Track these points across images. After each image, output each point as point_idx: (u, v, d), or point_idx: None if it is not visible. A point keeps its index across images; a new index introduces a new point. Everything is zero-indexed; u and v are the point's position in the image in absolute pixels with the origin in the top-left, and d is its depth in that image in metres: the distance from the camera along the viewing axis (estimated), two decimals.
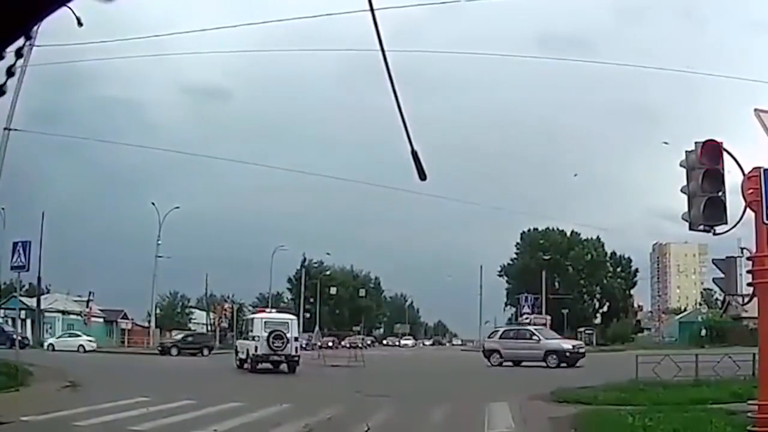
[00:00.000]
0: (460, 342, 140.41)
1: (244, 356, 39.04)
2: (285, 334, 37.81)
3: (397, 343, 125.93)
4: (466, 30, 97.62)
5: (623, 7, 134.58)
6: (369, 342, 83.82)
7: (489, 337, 48.75)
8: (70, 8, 2.01)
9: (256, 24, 52.46)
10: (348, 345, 76.78)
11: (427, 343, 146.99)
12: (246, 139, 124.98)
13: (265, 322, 38.94)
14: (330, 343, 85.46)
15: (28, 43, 1.87)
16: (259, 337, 37.49)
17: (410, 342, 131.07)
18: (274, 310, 51.29)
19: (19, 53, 1.90)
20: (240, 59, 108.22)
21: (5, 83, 1.94)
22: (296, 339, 39.89)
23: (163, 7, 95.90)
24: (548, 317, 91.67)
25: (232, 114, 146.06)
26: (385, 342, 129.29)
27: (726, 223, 12.92)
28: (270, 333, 37.36)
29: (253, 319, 41.50)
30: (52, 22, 1.80)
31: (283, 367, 37.67)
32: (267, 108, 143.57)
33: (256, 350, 37.47)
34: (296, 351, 38.53)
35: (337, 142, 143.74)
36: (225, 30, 74.19)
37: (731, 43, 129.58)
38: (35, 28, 1.83)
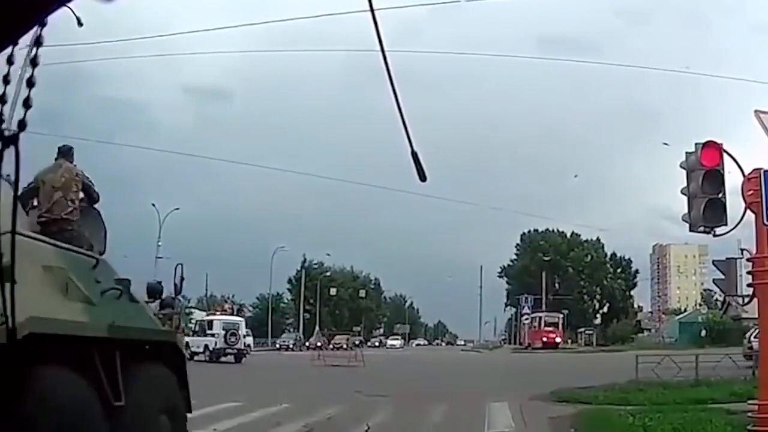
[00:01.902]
0: (462, 342, 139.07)
1: (200, 350, 46.52)
2: (237, 332, 48.90)
3: (378, 344, 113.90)
4: (467, 31, 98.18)
5: (624, 10, 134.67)
6: (356, 342, 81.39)
7: (756, 337, 43.78)
8: (69, 8, 2.02)
9: (257, 24, 52.76)
10: (332, 347, 76.04)
11: (422, 342, 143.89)
12: (247, 140, 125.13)
13: (222, 322, 49.78)
14: (319, 344, 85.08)
15: (36, 47, 1.87)
16: (217, 334, 47.79)
17: (398, 342, 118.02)
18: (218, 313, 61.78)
19: (34, 62, 1.91)
20: (241, 60, 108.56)
21: (29, 96, 1.94)
22: (245, 336, 52.18)
23: (165, 8, 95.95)
24: (561, 314, 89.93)
25: (233, 114, 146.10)
26: (368, 343, 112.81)
27: (726, 224, 12.92)
28: (226, 331, 47.90)
29: (212, 320, 51.05)
30: (51, 22, 1.80)
31: (230, 358, 47.54)
32: (268, 109, 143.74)
33: (215, 345, 47.39)
34: (245, 346, 50.81)
35: (338, 142, 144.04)
36: (226, 30, 74.48)
37: (732, 44, 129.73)
38: (37, 29, 1.83)
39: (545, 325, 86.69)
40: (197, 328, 50.78)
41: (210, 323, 49.56)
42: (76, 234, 8.79)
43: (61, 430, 5.50)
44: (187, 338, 50.25)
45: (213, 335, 47.53)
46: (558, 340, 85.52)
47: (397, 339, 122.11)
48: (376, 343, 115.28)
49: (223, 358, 46.66)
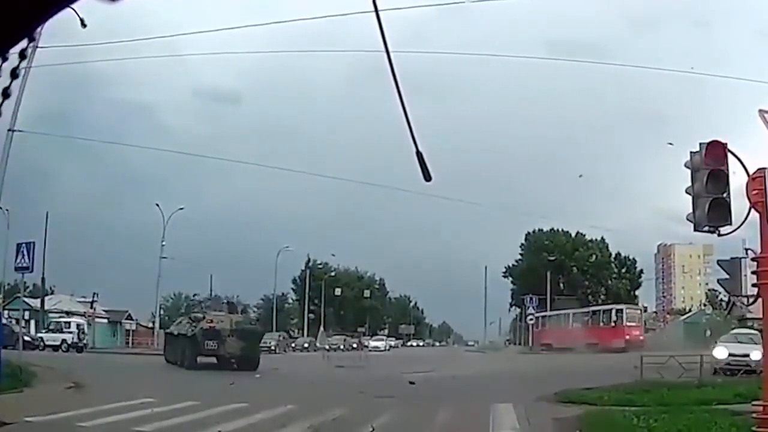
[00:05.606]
0: (471, 344, 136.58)
1: (57, 343, 58.58)
2: (85, 330, 64.54)
3: (354, 346, 74.72)
4: (475, 33, 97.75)
5: (630, 13, 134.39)
6: (353, 345, 75.40)
7: None
8: (73, 9, 2.01)
9: (265, 25, 52.59)
10: (328, 347, 74.17)
11: (420, 344, 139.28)
12: (252, 141, 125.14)
13: (76, 323, 63.44)
14: (306, 345, 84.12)
15: (31, 44, 1.86)
16: (74, 332, 60.85)
17: (381, 344, 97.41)
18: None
19: (22, 54, 1.89)
20: (249, 61, 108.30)
21: (10, 86, 1.93)
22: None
23: (173, 9, 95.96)
24: (643, 306, 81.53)
25: (240, 116, 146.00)
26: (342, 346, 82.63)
27: (731, 224, 12.91)
28: (79, 330, 61.80)
29: (69, 321, 64.22)
30: (58, 24, 1.78)
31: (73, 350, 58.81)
32: (275, 110, 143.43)
33: (72, 339, 59.69)
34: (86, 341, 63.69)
35: (344, 143, 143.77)
36: (235, 32, 74.36)
37: (736, 46, 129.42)
38: (39, 29, 1.81)
39: (627, 320, 73.09)
40: (52, 327, 62.59)
41: (68, 323, 62.81)
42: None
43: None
44: (43, 334, 61.08)
45: (70, 332, 60.74)
46: (642, 338, 71.51)
47: (381, 340, 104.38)
48: (353, 345, 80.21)
49: (70, 350, 57.56)
